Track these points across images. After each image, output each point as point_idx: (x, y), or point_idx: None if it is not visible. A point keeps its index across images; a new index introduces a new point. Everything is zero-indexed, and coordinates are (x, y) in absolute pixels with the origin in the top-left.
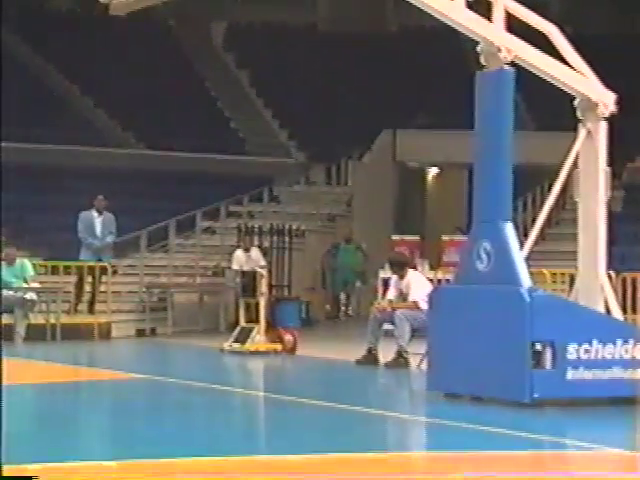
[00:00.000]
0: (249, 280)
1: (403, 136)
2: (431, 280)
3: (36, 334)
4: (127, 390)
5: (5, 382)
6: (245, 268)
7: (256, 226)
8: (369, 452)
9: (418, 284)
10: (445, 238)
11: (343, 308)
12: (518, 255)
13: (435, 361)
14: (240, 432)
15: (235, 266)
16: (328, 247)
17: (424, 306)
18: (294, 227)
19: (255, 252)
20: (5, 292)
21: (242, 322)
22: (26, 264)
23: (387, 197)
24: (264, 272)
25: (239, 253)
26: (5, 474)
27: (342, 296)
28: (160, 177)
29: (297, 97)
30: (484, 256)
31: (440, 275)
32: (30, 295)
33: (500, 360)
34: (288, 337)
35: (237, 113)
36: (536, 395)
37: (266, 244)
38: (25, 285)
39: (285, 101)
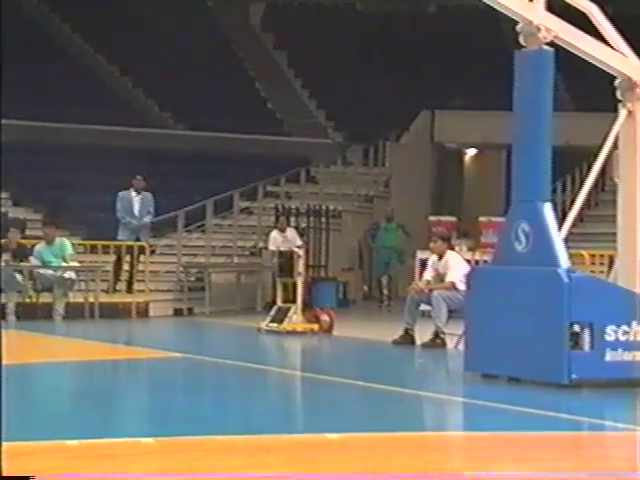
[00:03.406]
0: (286, 260)
1: (441, 117)
2: (468, 261)
3: (75, 312)
4: (164, 368)
5: (44, 359)
6: (282, 248)
7: (293, 207)
8: (406, 432)
9: (456, 265)
10: (482, 219)
11: (386, 292)
12: (557, 236)
13: (472, 342)
14: (277, 411)
15: (272, 247)
16: (367, 227)
17: (461, 287)
18: (331, 208)
19: (291, 232)
20: (44, 271)
21: (279, 302)
22: (65, 243)
23: (424, 178)
24: (301, 252)
25: (275, 234)
26: (42, 451)
27: (384, 280)
28: (198, 157)
29: (335, 78)
30: (522, 237)
31: (478, 256)
32: (69, 274)
33: (538, 341)
34: (325, 317)
35: (275, 94)
36: (574, 376)
37: (303, 225)
38: (64, 264)
39: (323, 82)
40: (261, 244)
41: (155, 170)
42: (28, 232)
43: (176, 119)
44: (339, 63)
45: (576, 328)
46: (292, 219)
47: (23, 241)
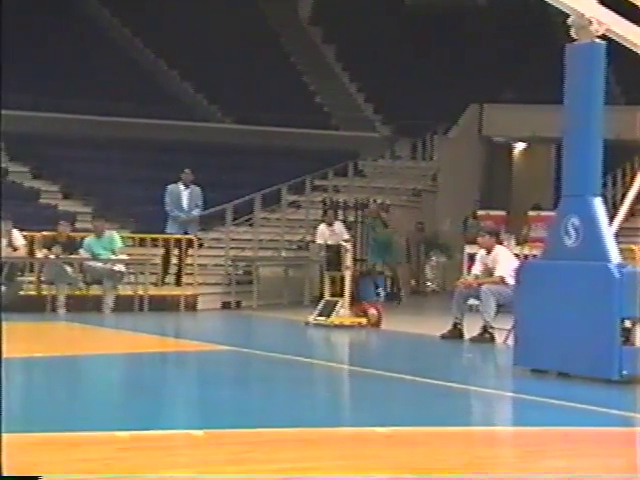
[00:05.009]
0: (334, 254)
1: (490, 110)
2: (517, 255)
3: (124, 305)
4: (213, 361)
5: (94, 351)
6: (329, 242)
7: (341, 200)
8: (454, 426)
9: (504, 259)
10: (531, 213)
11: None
12: (607, 230)
13: (522, 337)
14: (325, 404)
15: (319, 240)
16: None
17: (510, 281)
18: (379, 201)
19: (338, 226)
20: (94, 264)
21: (327, 296)
22: (114, 236)
23: (473, 172)
24: (349, 246)
25: (322, 227)
26: (92, 442)
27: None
28: (246, 151)
29: (383, 71)
30: (572, 231)
31: (526, 250)
32: (118, 267)
33: (588, 336)
34: (372, 311)
35: (323, 87)
36: (625, 372)
37: (351, 218)
38: (113, 257)
39: (371, 75)
40: (309, 238)
41: (203, 163)
42: (78, 225)
43: (224, 113)
44: (387, 56)
45: (627, 323)
46: (340, 213)
47: (73, 234)
